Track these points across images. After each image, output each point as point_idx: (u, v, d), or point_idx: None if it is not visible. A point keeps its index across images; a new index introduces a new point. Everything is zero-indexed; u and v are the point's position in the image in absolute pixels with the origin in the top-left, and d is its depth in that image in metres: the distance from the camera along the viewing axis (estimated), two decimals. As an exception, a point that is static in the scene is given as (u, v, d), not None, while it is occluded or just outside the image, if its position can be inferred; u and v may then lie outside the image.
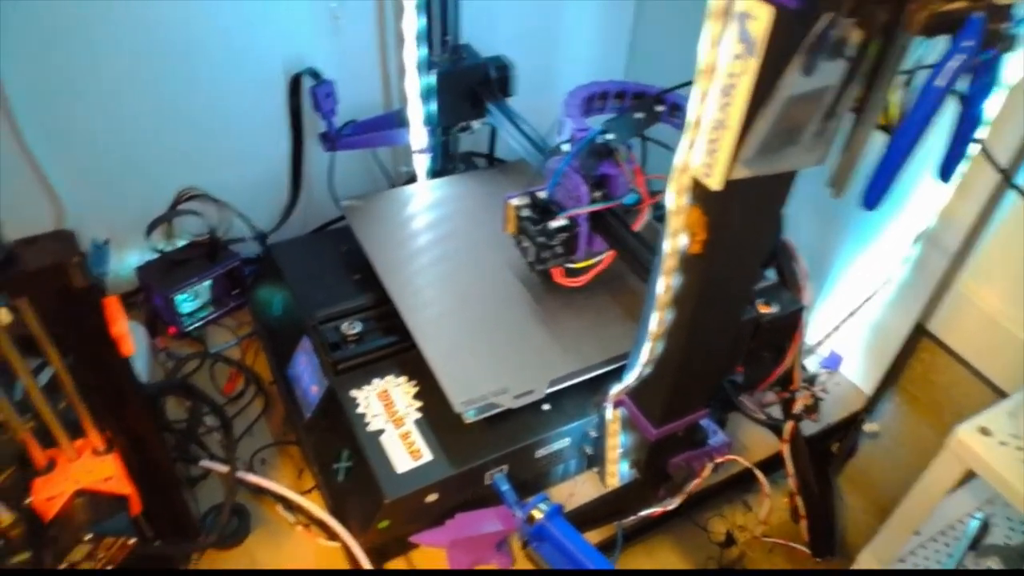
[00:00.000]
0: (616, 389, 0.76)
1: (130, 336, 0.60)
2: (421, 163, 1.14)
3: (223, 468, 0.84)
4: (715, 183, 0.54)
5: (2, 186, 0.93)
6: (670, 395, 0.72)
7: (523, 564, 0.88)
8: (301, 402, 0.94)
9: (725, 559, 1.06)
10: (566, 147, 0.89)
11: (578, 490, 0.95)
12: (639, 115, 0.90)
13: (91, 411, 0.64)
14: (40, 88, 0.93)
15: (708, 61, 0.51)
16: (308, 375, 0.93)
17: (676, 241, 0.59)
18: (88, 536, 0.63)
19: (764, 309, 0.78)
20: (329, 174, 1.15)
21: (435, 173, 1.17)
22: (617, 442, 0.81)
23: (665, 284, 0.62)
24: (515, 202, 0.89)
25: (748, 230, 0.60)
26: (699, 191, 0.56)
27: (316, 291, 0.99)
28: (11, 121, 0.93)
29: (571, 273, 0.91)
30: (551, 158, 0.89)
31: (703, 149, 0.54)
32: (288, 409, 1.00)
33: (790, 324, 0.81)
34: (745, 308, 0.76)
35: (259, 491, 0.90)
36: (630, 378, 0.74)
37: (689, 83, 0.82)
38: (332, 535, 0.88)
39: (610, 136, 0.85)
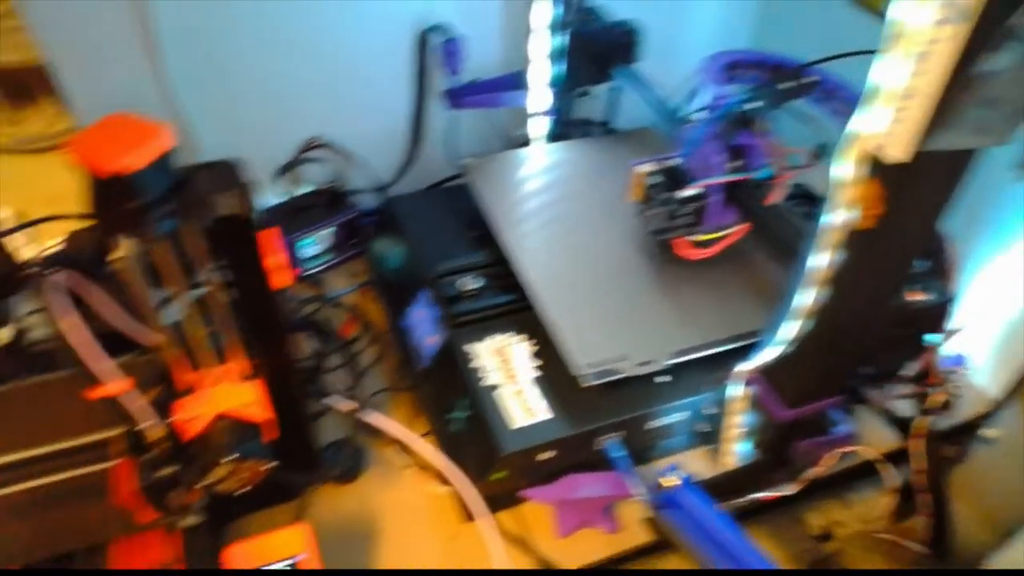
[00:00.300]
0: (749, 366, 0.74)
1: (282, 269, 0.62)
2: (538, 126, 1.13)
3: (349, 405, 0.87)
4: (900, 154, 0.51)
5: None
6: (810, 376, 0.69)
7: (631, 530, 0.88)
8: (416, 352, 0.95)
9: (821, 553, 1.03)
10: (699, 116, 0.86)
11: (684, 466, 0.94)
12: (787, 85, 0.86)
13: (238, 338, 0.67)
14: (188, 30, 0.97)
15: (902, 26, 0.48)
16: (424, 327, 0.94)
17: (845, 214, 0.56)
18: (231, 457, 0.65)
19: (914, 296, 0.74)
20: (448, 132, 1.15)
21: (551, 138, 1.16)
22: (740, 421, 0.79)
23: (824, 258, 0.60)
24: (643, 169, 0.87)
25: (926, 207, 0.56)
26: (877, 163, 0.53)
27: (434, 246, 1.00)
28: (160, 60, 0.97)
29: (699, 245, 0.88)
30: (686, 125, 0.87)
31: (888, 118, 0.51)
32: (402, 358, 1.02)
33: (938, 314, 0.77)
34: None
35: (372, 432, 0.93)
36: (767, 356, 0.72)
37: (833, 57, 0.78)
38: (444, 481, 0.90)
39: (756, 104, 0.82)
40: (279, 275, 0.61)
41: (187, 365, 0.67)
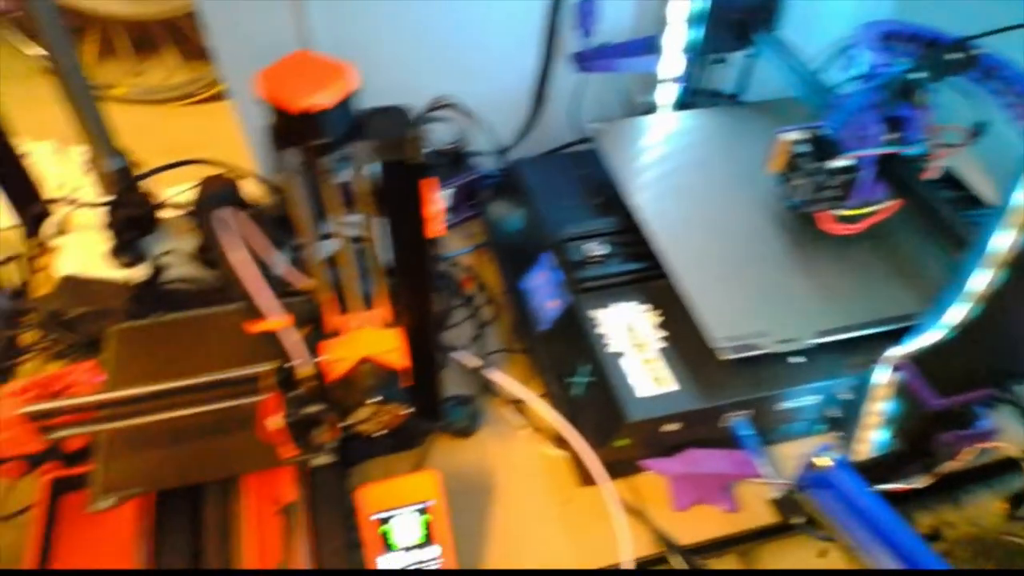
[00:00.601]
0: (901, 351, 0.71)
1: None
2: (667, 93, 1.10)
3: (474, 361, 0.88)
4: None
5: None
6: (968, 364, 0.66)
7: (749, 510, 0.86)
8: (535, 315, 0.95)
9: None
10: (851, 84, 0.82)
11: (808, 452, 0.91)
12: (954, 56, 0.80)
13: (385, 285, 0.68)
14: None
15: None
16: (545, 290, 0.94)
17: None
18: (374, 400, 0.67)
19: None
20: (573, 96, 1.13)
21: (678, 106, 1.12)
22: (881, 408, 0.76)
23: (1011, 240, 0.56)
24: (790, 137, 0.84)
25: None
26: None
27: (558, 210, 0.99)
28: (304, 11, 0.98)
29: (844, 220, 0.85)
30: (836, 94, 0.83)
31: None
32: (517, 320, 1.02)
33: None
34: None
35: (489, 390, 0.93)
36: (923, 341, 0.68)
37: (989, 33, 0.72)
38: (559, 444, 0.90)
39: (919, 75, 0.78)
40: (434, 224, 0.61)
41: (335, 308, 0.69)
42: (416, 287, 0.67)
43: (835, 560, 1.10)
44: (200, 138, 2.00)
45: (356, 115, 0.53)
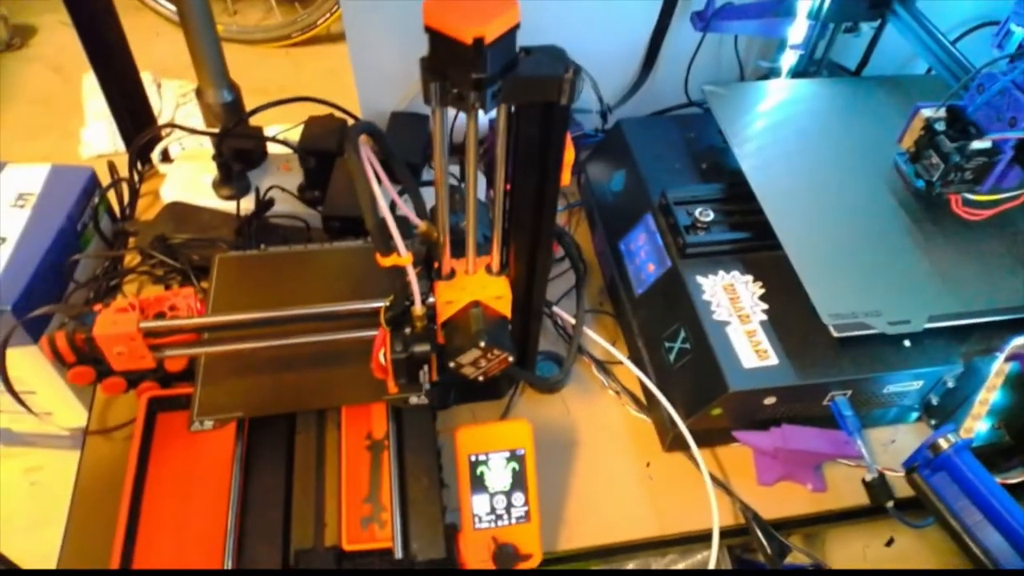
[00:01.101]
0: (1021, 341, 0.68)
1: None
2: (788, 60, 1.06)
3: (569, 317, 0.88)
4: None
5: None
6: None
7: (836, 491, 0.85)
8: (632, 278, 0.94)
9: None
10: (999, 63, 0.78)
11: (900, 439, 0.89)
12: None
13: (501, 232, 0.68)
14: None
15: None
16: (646, 253, 0.93)
17: None
18: (483, 343, 0.67)
19: None
20: (685, 57, 1.10)
21: (794, 75, 1.09)
22: (990, 399, 0.73)
23: None
24: (928, 113, 0.80)
25: None
26: None
27: (663, 172, 0.97)
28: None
29: (971, 204, 0.81)
30: (984, 69, 0.78)
31: None
32: (610, 281, 1.01)
33: None
34: None
35: (575, 349, 0.93)
36: (1049, 332, 0.66)
37: None
38: (641, 407, 0.90)
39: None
40: (566, 172, 0.61)
41: (448, 252, 0.69)
42: (536, 236, 0.66)
43: (901, 547, 1.09)
44: (294, 81, 2.04)
45: (515, 51, 0.52)
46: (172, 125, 1.05)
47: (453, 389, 0.87)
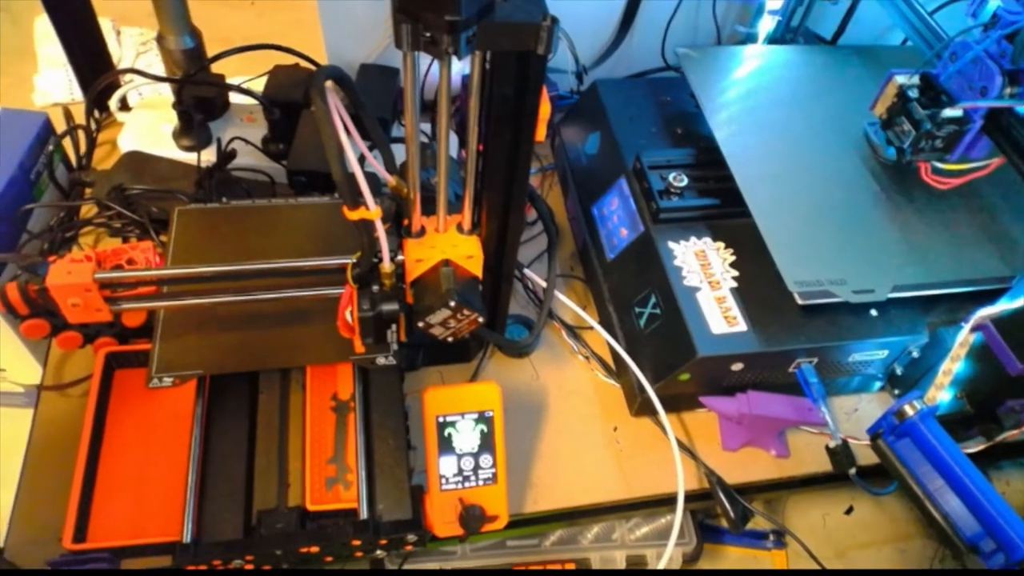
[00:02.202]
0: (989, 312, 0.69)
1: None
2: (765, 26, 1.05)
3: (540, 281, 0.87)
4: None
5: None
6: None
7: (798, 457, 0.86)
8: (604, 242, 0.93)
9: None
10: (973, 32, 0.77)
11: (863, 407, 0.90)
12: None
13: (473, 190, 0.66)
14: None
15: None
16: (618, 217, 0.92)
17: None
18: (453, 303, 0.66)
19: None
20: (661, 20, 1.09)
21: (771, 41, 1.08)
22: (954, 368, 0.75)
23: None
24: (902, 80, 0.80)
25: None
26: None
27: (638, 136, 0.96)
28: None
29: (940, 173, 0.81)
30: (958, 38, 0.78)
31: None
32: (582, 246, 1.00)
33: None
34: None
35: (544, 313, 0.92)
36: (1011, 304, 0.66)
37: None
38: (610, 372, 0.90)
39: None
40: (541, 128, 0.59)
41: (418, 209, 0.67)
42: (509, 194, 0.65)
43: (860, 515, 1.12)
44: (259, 32, 1.97)
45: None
46: (132, 71, 1.01)
47: (422, 350, 0.86)
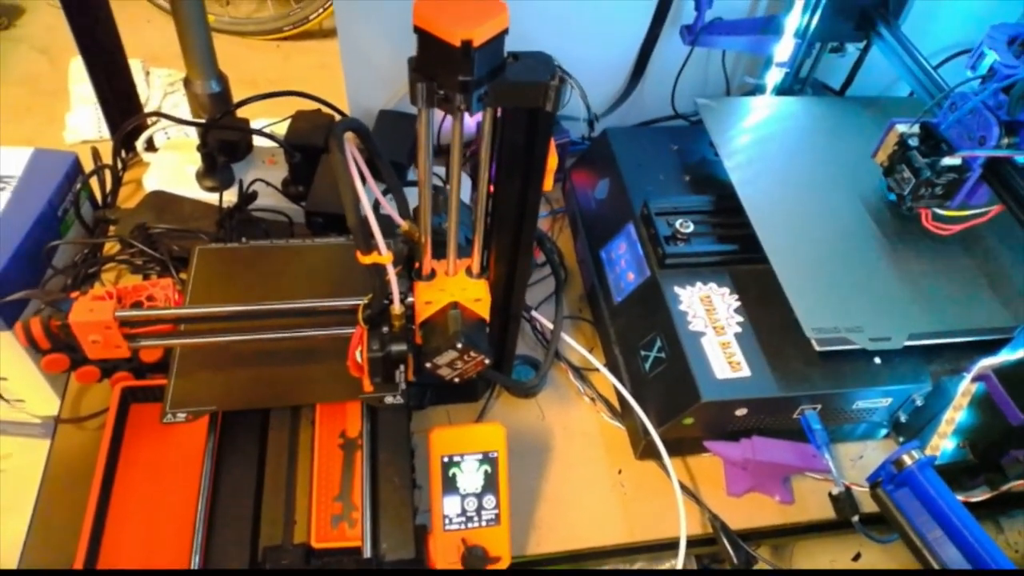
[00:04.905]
0: (991, 362, 0.69)
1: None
2: (773, 77, 1.08)
3: (548, 323, 0.88)
4: None
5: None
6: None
7: (803, 504, 0.86)
8: (612, 286, 0.95)
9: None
10: (970, 84, 0.80)
11: (868, 455, 0.90)
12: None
13: (482, 235, 0.68)
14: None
15: None
16: (626, 262, 0.94)
17: None
18: (460, 344, 0.67)
19: None
20: (673, 70, 1.12)
21: (780, 92, 1.10)
22: (957, 417, 0.75)
23: None
24: (902, 128, 0.82)
25: None
26: None
27: (647, 183, 0.98)
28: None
29: (941, 219, 0.83)
30: (957, 89, 0.80)
31: None
32: (590, 289, 1.02)
33: None
34: None
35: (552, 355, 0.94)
36: (1012, 355, 0.67)
37: None
38: (615, 414, 0.91)
39: (1051, 84, 0.75)
40: (548, 178, 0.61)
41: (428, 252, 0.69)
42: (518, 239, 0.67)
43: (868, 562, 1.11)
44: (283, 75, 2.03)
45: (502, 56, 0.52)
46: (158, 114, 1.05)
47: (429, 390, 0.88)
